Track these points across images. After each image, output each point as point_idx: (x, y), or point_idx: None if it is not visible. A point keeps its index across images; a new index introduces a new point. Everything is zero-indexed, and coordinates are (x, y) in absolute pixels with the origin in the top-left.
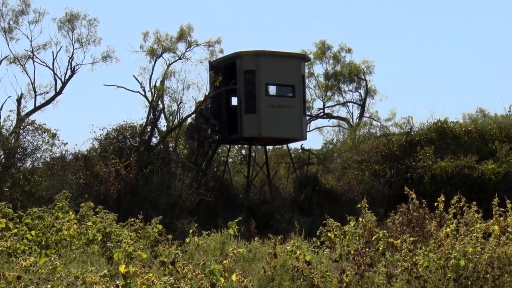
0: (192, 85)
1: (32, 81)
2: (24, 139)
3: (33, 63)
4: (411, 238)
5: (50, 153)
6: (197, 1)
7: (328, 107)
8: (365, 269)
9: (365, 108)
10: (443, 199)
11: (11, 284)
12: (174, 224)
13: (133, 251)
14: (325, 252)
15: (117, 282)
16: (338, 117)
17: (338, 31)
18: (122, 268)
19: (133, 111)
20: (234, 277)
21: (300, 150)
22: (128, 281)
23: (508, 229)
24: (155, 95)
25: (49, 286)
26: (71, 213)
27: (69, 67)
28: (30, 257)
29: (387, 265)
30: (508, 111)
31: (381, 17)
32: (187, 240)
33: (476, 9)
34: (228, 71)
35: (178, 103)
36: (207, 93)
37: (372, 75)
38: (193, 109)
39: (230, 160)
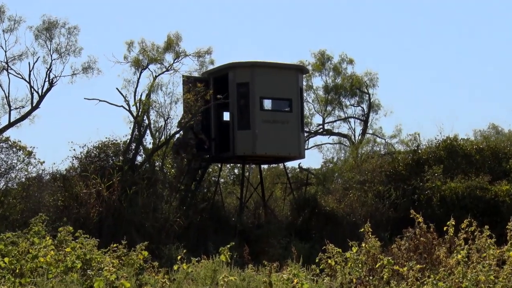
0: (181, 99)
1: (7, 94)
2: None
3: (8, 75)
4: (418, 266)
5: (26, 173)
6: (185, 8)
7: (328, 122)
8: None
9: (368, 124)
10: (453, 223)
11: None
12: (160, 250)
13: (115, 279)
14: (325, 281)
15: None
16: (338, 134)
17: (338, 41)
18: None
19: (116, 127)
20: None
21: (298, 170)
22: None
23: None
24: (140, 110)
25: None
26: (48, 238)
27: (47, 79)
28: (3, 287)
29: None
30: None
31: (385, 26)
32: (175, 267)
33: (488, 19)
34: (220, 83)
35: (165, 118)
36: (180, 111)
37: (376, 88)
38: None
39: (222, 180)
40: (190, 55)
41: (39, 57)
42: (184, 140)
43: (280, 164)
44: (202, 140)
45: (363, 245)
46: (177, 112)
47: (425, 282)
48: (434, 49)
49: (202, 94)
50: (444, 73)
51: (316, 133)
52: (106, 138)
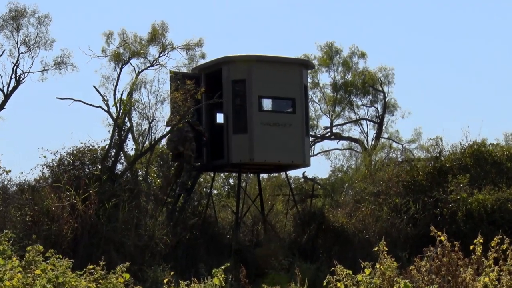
0: (168, 98)
1: None
2: None
3: None
4: None
5: None
6: None
7: (336, 125)
8: None
9: (383, 127)
10: (481, 240)
11: None
12: (144, 272)
13: None
14: None
15: None
16: (349, 138)
17: (348, 32)
18: None
19: (94, 131)
20: None
21: (302, 179)
22: None
23: None
24: (121, 111)
25: None
26: (14, 258)
27: (14, 75)
28: None
29: None
30: None
31: (401, 14)
32: None
33: None
34: (212, 80)
35: (150, 120)
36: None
37: (392, 86)
38: (168, 128)
39: (215, 191)
40: (178, 48)
41: (4, 50)
42: (182, 134)
43: (281, 173)
44: (200, 132)
45: (378, 266)
46: (164, 113)
47: None
48: (459, 41)
49: (192, 93)
50: (470, 69)
51: (323, 137)
52: (82, 143)
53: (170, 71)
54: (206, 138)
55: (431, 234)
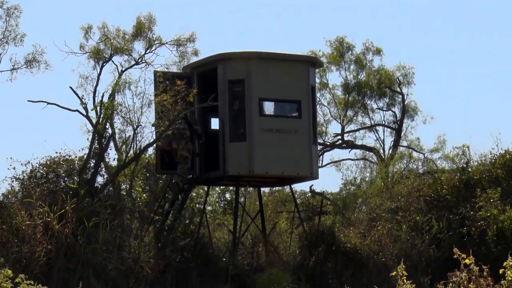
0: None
1: None
2: None
3: None
4: None
5: None
6: None
7: (348, 132)
8: None
9: (402, 134)
10: None
11: None
12: None
13: None
14: None
15: None
16: (363, 147)
17: (361, 25)
18: None
19: (70, 138)
20: None
21: (309, 194)
22: None
23: None
24: (102, 116)
25: None
26: None
27: None
28: None
29: None
30: None
31: (421, 5)
32: None
33: None
34: (206, 81)
35: (135, 126)
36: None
37: (411, 86)
38: (155, 135)
39: (209, 208)
40: (166, 43)
41: None
42: (178, 130)
43: (285, 187)
44: (196, 132)
45: None
46: (150, 118)
47: None
48: (488, 36)
49: (182, 95)
50: (501, 68)
51: (333, 145)
52: (57, 152)
53: (155, 70)
54: (202, 141)
55: (457, 256)
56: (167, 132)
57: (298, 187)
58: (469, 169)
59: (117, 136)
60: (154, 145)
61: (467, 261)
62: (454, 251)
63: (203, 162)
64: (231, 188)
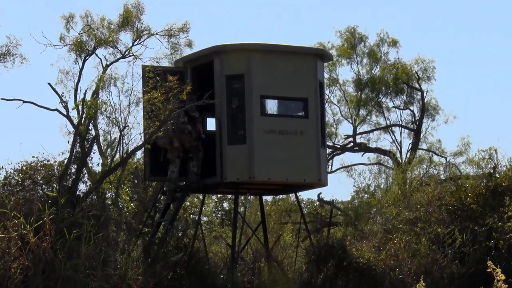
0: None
1: None
2: None
3: None
4: None
5: None
6: None
7: (361, 133)
8: None
9: (421, 136)
10: None
11: None
12: None
13: None
14: None
15: None
16: (377, 150)
17: (375, 14)
18: None
19: (49, 141)
20: None
21: (317, 203)
22: None
23: None
24: (84, 115)
25: None
26: None
27: None
28: None
29: None
30: None
31: None
32: None
33: None
34: (201, 76)
35: (122, 127)
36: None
37: (432, 82)
38: (144, 136)
39: (205, 218)
40: (156, 34)
41: None
42: (177, 126)
43: (290, 195)
44: (194, 120)
45: None
46: (139, 118)
47: None
48: None
49: (175, 92)
50: None
51: (343, 148)
52: (34, 157)
53: (143, 65)
54: (202, 133)
55: (485, 272)
56: (164, 129)
57: (305, 195)
58: (497, 175)
59: (101, 138)
60: (143, 148)
61: (502, 276)
62: (488, 264)
63: (198, 167)
64: (229, 196)
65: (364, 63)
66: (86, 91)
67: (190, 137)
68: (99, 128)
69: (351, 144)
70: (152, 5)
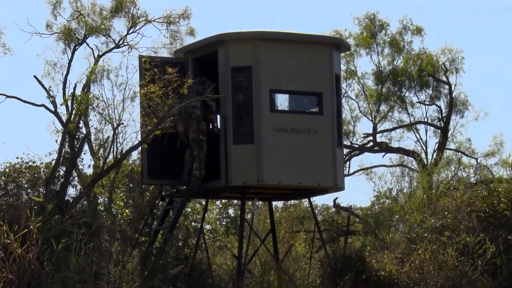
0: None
1: None
2: None
3: None
4: None
5: None
6: None
7: (382, 131)
8: None
9: (449, 135)
10: None
11: None
12: None
13: None
14: None
15: None
16: (400, 150)
17: None
18: None
19: (35, 140)
20: None
21: (333, 209)
22: None
23: None
24: (74, 112)
25: None
26: None
27: None
28: None
29: None
30: None
31: None
32: None
33: None
34: (204, 68)
35: (116, 125)
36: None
37: (460, 75)
38: (140, 135)
39: (208, 227)
40: (154, 21)
41: None
42: (186, 109)
43: (303, 201)
44: (210, 109)
45: None
46: (135, 114)
47: None
48: None
49: (174, 86)
50: None
51: (362, 148)
52: (18, 158)
53: (140, 55)
54: (214, 125)
55: None
56: (172, 112)
57: (319, 200)
58: None
59: (93, 137)
60: (140, 148)
61: None
62: None
63: (201, 170)
64: (235, 202)
65: (385, 53)
66: (76, 84)
67: (197, 126)
68: (90, 126)
69: (371, 143)
70: None
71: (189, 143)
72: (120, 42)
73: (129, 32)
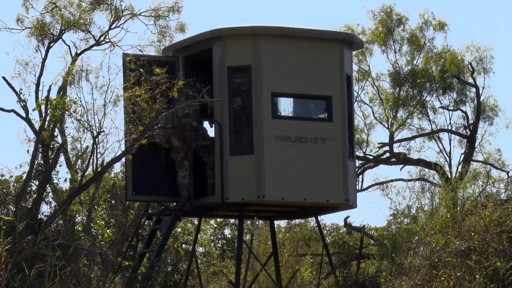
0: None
1: None
2: None
3: None
4: None
5: None
6: None
7: (400, 141)
8: None
9: (476, 144)
10: None
11: None
12: None
13: None
14: None
15: None
16: (420, 162)
17: None
18: None
19: (4, 150)
20: None
21: (344, 230)
22: None
23: None
24: (48, 118)
25: None
26: None
27: None
28: None
29: None
30: None
31: None
32: None
33: None
34: (196, 68)
35: (95, 133)
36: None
37: (489, 76)
38: (124, 144)
39: (201, 249)
40: (140, 14)
41: None
42: (179, 122)
43: (310, 220)
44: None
45: None
46: (118, 121)
47: None
48: None
49: (163, 88)
50: None
51: (377, 160)
52: None
53: (124, 53)
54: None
55: None
56: (166, 120)
57: (328, 219)
58: None
59: (69, 147)
60: (123, 159)
61: None
62: None
63: (191, 186)
64: (232, 221)
65: (403, 51)
66: (50, 87)
67: (196, 135)
68: (67, 134)
69: (387, 154)
70: None
71: (182, 161)
72: (101, 39)
73: (112, 27)
